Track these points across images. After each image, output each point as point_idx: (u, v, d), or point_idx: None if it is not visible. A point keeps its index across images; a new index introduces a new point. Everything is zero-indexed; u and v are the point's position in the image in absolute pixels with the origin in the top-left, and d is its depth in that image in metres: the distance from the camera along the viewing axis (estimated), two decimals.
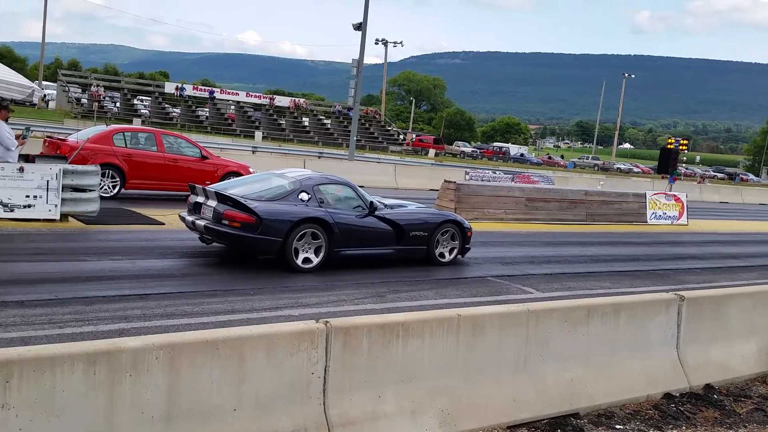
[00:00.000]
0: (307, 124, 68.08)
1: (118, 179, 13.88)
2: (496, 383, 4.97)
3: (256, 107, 67.70)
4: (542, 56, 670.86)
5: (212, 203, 9.06)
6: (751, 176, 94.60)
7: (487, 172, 29.51)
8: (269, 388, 4.00)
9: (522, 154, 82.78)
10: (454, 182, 17.30)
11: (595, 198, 19.35)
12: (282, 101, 72.24)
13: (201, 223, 9.05)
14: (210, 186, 9.73)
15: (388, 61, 78.29)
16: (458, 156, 72.56)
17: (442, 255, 10.56)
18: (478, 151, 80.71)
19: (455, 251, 10.70)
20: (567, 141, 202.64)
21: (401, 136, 73.67)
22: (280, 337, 4.07)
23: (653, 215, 19.97)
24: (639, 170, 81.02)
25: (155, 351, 3.61)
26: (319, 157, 35.28)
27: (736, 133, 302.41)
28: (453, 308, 5.50)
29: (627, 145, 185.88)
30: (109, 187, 13.65)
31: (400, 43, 73.44)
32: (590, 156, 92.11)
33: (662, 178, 31.59)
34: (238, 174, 15.40)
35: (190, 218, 9.39)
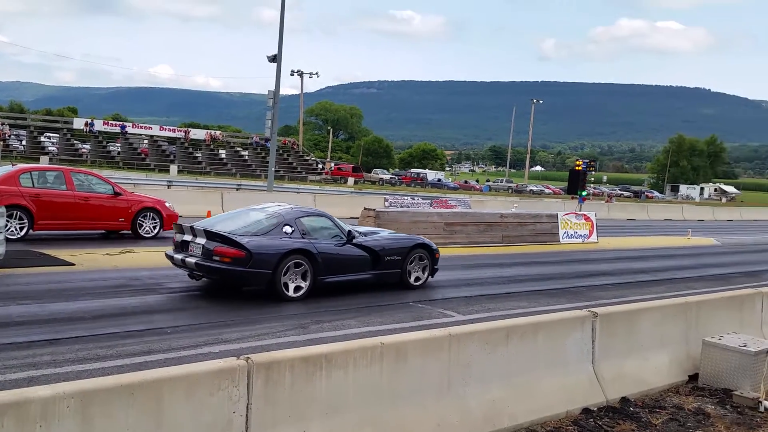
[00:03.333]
0: (224, 156, 67.14)
1: (26, 220, 13.39)
2: (422, 409, 5.00)
3: (171, 141, 66.30)
4: (455, 84, 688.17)
5: (201, 241, 9.46)
6: (656, 193, 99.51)
7: (406, 198, 29.87)
8: (189, 430, 3.88)
9: (439, 180, 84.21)
10: (374, 209, 17.41)
11: (510, 220, 19.86)
12: (197, 134, 71.10)
13: (191, 260, 9.41)
14: (196, 224, 9.98)
15: (304, 91, 78.60)
16: (377, 183, 73.19)
17: (416, 279, 11.33)
18: (397, 177, 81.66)
19: (426, 273, 11.44)
20: (482, 165, 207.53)
21: (320, 166, 73.73)
22: (200, 377, 3.97)
23: (565, 234, 20.65)
24: (550, 191, 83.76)
25: (66, 399, 3.45)
26: (237, 189, 34.81)
27: (640, 152, 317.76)
28: (376, 336, 5.52)
29: (538, 168, 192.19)
30: (16, 229, 13.18)
31: (316, 73, 73.93)
32: (504, 179, 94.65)
33: (572, 198, 32.77)
34: (154, 210, 15.45)
35: (179, 256, 9.67)
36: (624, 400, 6.32)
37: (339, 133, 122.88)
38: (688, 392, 6.91)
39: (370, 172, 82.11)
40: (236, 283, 9.70)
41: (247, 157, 67.98)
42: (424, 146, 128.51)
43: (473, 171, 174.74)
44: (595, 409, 6.04)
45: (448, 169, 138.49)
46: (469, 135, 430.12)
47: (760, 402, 6.50)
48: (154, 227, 15.38)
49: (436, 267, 11.68)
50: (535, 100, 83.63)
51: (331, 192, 40.99)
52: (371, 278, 10.73)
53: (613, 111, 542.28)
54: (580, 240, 20.95)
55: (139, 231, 15.14)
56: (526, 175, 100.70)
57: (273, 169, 32.00)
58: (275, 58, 30.49)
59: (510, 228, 19.61)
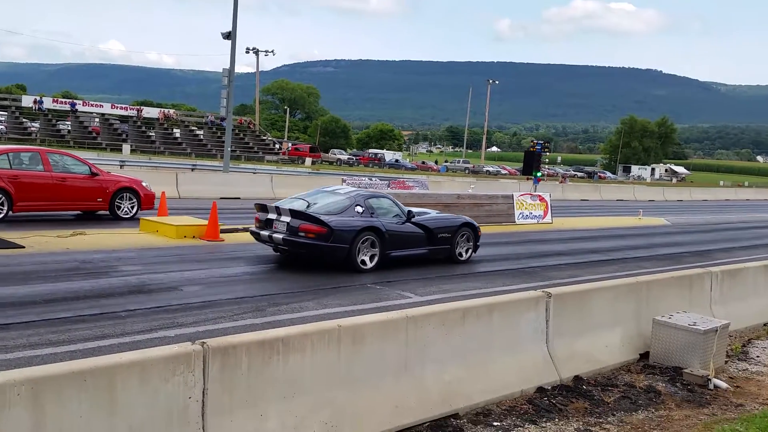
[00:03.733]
0: (178, 135, 66.00)
1: (5, 202, 13.19)
2: (379, 391, 5.03)
3: (123, 119, 64.89)
4: (412, 64, 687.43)
5: (286, 219, 10.78)
6: (609, 174, 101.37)
7: (363, 179, 29.82)
8: (143, 417, 3.83)
9: (397, 160, 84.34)
10: None
11: (467, 201, 20.00)
12: (150, 112, 69.73)
13: (278, 236, 10.75)
14: (279, 203, 11.40)
15: (260, 69, 77.41)
16: (335, 164, 72.92)
17: (460, 254, 12.58)
18: (354, 158, 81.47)
19: (470, 250, 12.80)
20: (439, 146, 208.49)
21: (277, 146, 73.02)
22: (154, 362, 3.91)
23: (521, 215, 20.92)
24: (506, 172, 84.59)
25: (17, 386, 3.37)
26: (192, 169, 34.29)
27: (593, 133, 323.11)
28: (334, 318, 5.52)
29: (495, 149, 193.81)
30: None
31: (272, 51, 72.88)
32: (461, 160, 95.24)
33: (527, 179, 33.17)
34: (131, 190, 15.35)
35: (265, 233, 11.03)
36: (577, 378, 6.46)
37: (296, 113, 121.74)
38: (640, 370, 7.09)
39: (327, 153, 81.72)
40: (319, 257, 10.83)
41: (202, 137, 66.96)
42: (382, 126, 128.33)
43: (431, 151, 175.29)
44: (549, 387, 6.16)
45: (405, 149, 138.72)
46: (427, 115, 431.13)
47: (710, 380, 6.70)
48: (132, 207, 15.32)
49: (478, 243, 12.95)
50: (491, 81, 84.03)
51: (289, 173, 40.67)
52: (427, 253, 12.04)
53: (568, 92, 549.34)
54: (535, 220, 21.25)
55: (118, 212, 15.08)
56: (482, 156, 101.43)
57: (229, 149, 31.54)
58: (230, 35, 29.96)
59: (466, 209, 19.75)
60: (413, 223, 11.81)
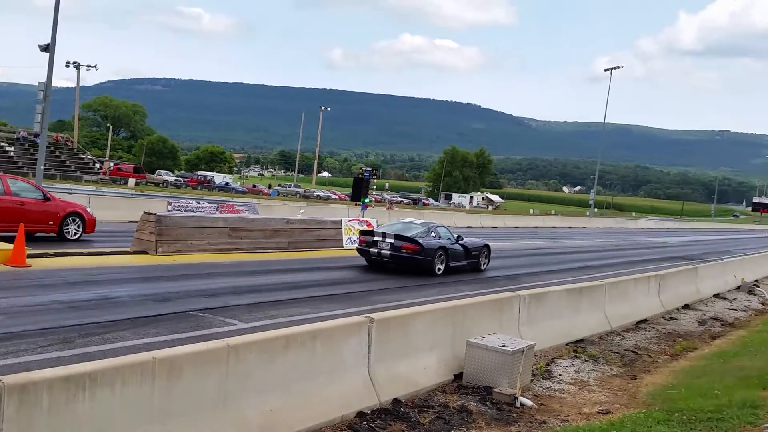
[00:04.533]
0: None
1: None
2: (196, 426, 4.85)
3: None
4: (245, 87, 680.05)
5: (390, 240, 16.02)
6: (432, 201, 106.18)
7: (191, 201, 28.83)
8: None
9: (227, 183, 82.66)
10: (155, 214, 16.60)
11: (296, 226, 20.01)
12: None
13: (386, 252, 16.05)
14: (382, 229, 16.95)
15: (81, 84, 72.85)
16: (161, 185, 69.94)
17: (483, 263, 18.10)
18: (182, 180, 78.70)
19: (487, 263, 18.34)
20: (271, 169, 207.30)
21: (97, 165, 68.79)
22: None
23: (348, 240, 21.27)
24: (337, 197, 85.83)
25: None
26: None
27: (419, 162, 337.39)
28: (151, 350, 5.28)
29: (326, 173, 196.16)
30: None
31: (95, 66, 68.95)
32: (292, 184, 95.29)
33: (356, 205, 33.85)
34: (78, 214, 16.72)
35: (374, 250, 16.28)
36: (396, 401, 6.65)
37: (120, 131, 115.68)
38: (454, 390, 7.44)
39: (153, 173, 78.27)
40: (413, 266, 15.97)
41: (12, 153, 61.45)
42: (212, 148, 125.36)
43: (262, 175, 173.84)
44: (369, 411, 6.29)
45: (236, 172, 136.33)
46: (259, 139, 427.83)
47: (516, 398, 7.17)
48: (78, 229, 16.60)
49: (489, 259, 18.51)
50: (323, 107, 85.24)
51: (109, 194, 38.40)
52: (465, 265, 17.35)
53: (396, 121, 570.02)
54: None
55: (65, 234, 16.30)
56: (313, 181, 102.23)
57: (42, 167, 29.21)
58: (48, 48, 27.95)
59: (296, 234, 19.77)
60: (459, 245, 17.21)
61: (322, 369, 6.08)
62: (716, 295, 17.99)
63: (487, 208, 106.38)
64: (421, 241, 15.93)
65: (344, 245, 21.03)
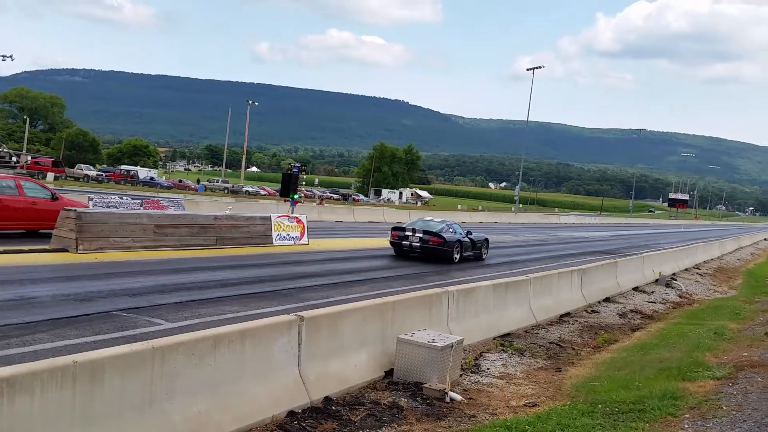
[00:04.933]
0: None
1: None
2: (121, 431, 4.71)
3: None
4: (169, 79, 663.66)
5: (419, 234, 19.70)
6: (362, 196, 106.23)
7: (113, 197, 27.91)
8: None
9: (152, 178, 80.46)
10: (75, 210, 15.99)
11: (224, 222, 19.67)
12: None
13: (416, 244, 19.64)
14: (408, 224, 20.94)
15: None
16: (81, 180, 67.60)
17: (484, 253, 21.85)
18: (104, 174, 76.22)
19: (486, 254, 22.11)
20: (198, 164, 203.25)
21: (14, 158, 65.68)
22: None
23: (278, 237, 21.06)
24: (266, 192, 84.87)
25: None
26: None
27: (348, 157, 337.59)
28: (73, 353, 5.09)
29: (254, 169, 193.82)
30: None
31: (10, 56, 66.03)
32: (220, 179, 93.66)
33: (285, 201, 33.56)
34: None
35: (405, 243, 19.93)
36: (327, 399, 6.63)
37: (37, 123, 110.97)
38: (384, 387, 7.46)
39: (73, 168, 75.48)
40: (437, 255, 19.59)
41: None
42: (136, 142, 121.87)
43: (189, 170, 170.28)
44: (300, 411, 6.25)
45: (162, 167, 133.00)
46: (185, 132, 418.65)
47: (446, 393, 7.27)
48: None
49: (488, 251, 22.29)
50: (250, 101, 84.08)
51: None
52: (471, 255, 21.01)
53: (325, 116, 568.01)
54: (292, 242, 21.52)
55: None
56: (242, 176, 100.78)
57: None
58: None
59: (224, 230, 19.43)
60: (468, 238, 20.86)
61: (252, 369, 6.00)
62: (636, 289, 18.71)
63: (416, 203, 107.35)
64: (444, 235, 19.82)
65: (274, 242, 20.81)
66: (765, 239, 69.58)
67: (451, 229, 20.25)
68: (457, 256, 19.89)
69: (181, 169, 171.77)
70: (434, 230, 19.90)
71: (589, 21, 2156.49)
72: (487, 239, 22.00)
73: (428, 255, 19.59)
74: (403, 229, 20.35)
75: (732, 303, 17.84)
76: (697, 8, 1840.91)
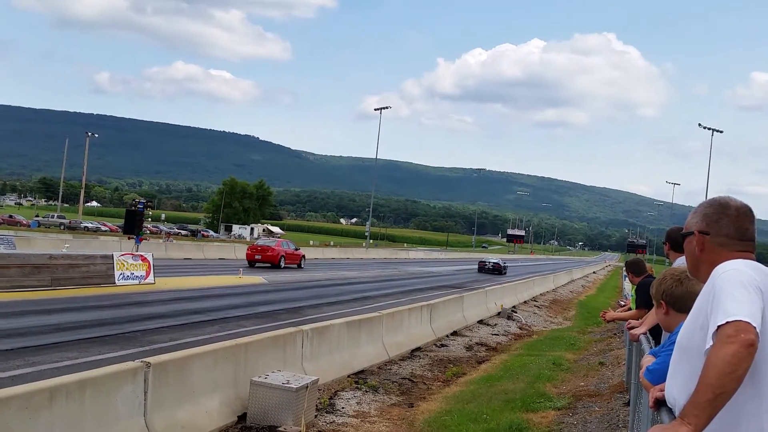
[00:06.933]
0: None
1: None
2: None
3: None
4: None
5: (493, 261, 51.54)
6: (212, 232, 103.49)
7: None
8: None
9: None
10: None
11: (60, 261, 18.39)
12: None
13: (490, 267, 49.91)
14: (488, 258, 55.65)
15: None
16: None
17: (504, 271, 49.95)
18: None
19: (505, 272, 49.86)
20: (30, 198, 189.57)
21: None
22: None
23: (121, 276, 19.99)
24: (107, 229, 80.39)
25: None
26: None
27: (197, 192, 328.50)
28: None
29: (94, 203, 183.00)
30: None
31: None
32: (56, 214, 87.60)
33: (129, 238, 31.98)
34: None
35: (487, 267, 50.21)
36: None
37: None
38: None
39: None
40: (498, 273, 48.40)
41: None
42: None
43: (20, 204, 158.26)
44: None
45: None
46: (16, 165, 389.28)
47: None
48: None
49: (506, 271, 50.64)
50: (90, 133, 79.85)
51: None
52: (499, 274, 48.02)
53: (171, 150, 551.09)
54: (137, 281, 20.50)
55: None
56: (80, 211, 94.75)
57: None
58: None
59: (60, 270, 18.16)
60: (500, 264, 50.23)
61: (93, 421, 5.59)
62: (480, 321, 19.55)
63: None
64: (502, 264, 49.72)
65: (117, 281, 19.71)
66: (594, 272, 75.46)
67: (500, 260, 42.52)
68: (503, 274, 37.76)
69: (12, 203, 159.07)
70: (495, 261, 43.50)
71: (431, 65, 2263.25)
72: (505, 263, 49.70)
73: (494, 272, 42.96)
74: (485, 262, 48.87)
75: (568, 334, 19.10)
76: (529, 57, 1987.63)
